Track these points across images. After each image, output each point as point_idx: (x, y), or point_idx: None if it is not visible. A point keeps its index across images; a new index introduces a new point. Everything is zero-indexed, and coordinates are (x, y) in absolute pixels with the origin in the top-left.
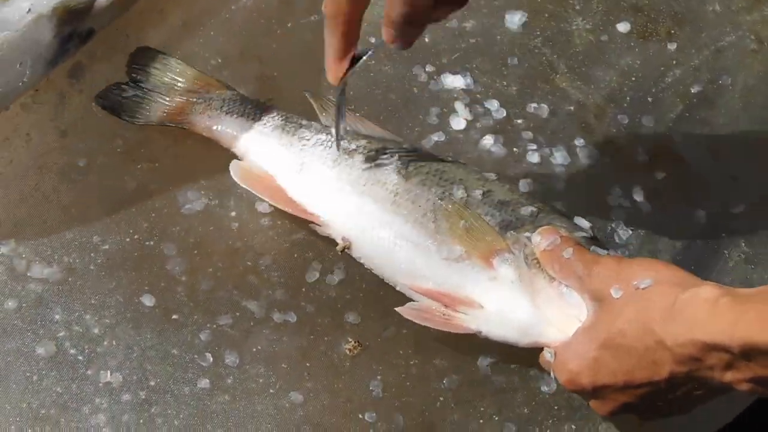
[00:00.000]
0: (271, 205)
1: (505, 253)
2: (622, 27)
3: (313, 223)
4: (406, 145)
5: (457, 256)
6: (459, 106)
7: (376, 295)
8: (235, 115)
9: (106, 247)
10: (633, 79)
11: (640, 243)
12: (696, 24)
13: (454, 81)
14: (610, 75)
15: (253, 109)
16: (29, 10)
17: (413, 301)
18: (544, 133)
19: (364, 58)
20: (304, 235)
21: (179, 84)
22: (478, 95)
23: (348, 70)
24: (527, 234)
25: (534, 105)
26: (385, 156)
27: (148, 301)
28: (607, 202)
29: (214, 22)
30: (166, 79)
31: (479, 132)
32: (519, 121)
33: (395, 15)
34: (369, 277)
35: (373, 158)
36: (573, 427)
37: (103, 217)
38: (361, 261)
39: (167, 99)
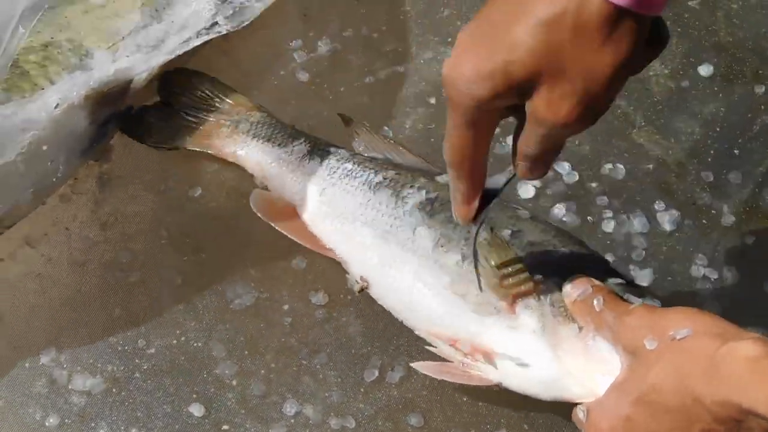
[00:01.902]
0: (326, 295)
1: (530, 299)
2: (704, 70)
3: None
4: (440, 177)
5: (479, 300)
6: None
7: (440, 391)
8: (261, 140)
9: (152, 351)
10: (718, 129)
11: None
12: None
13: None
14: (692, 126)
15: (281, 134)
16: (57, 105)
17: (432, 347)
18: (620, 197)
19: (496, 198)
20: (361, 327)
21: (210, 103)
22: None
23: (481, 209)
24: (556, 280)
25: (609, 165)
26: (411, 190)
27: (196, 410)
28: (690, 274)
29: (265, 91)
30: (196, 97)
31: (550, 200)
32: (593, 184)
33: (531, 150)
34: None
35: (398, 193)
36: None
37: (148, 318)
38: (379, 302)
39: (194, 120)
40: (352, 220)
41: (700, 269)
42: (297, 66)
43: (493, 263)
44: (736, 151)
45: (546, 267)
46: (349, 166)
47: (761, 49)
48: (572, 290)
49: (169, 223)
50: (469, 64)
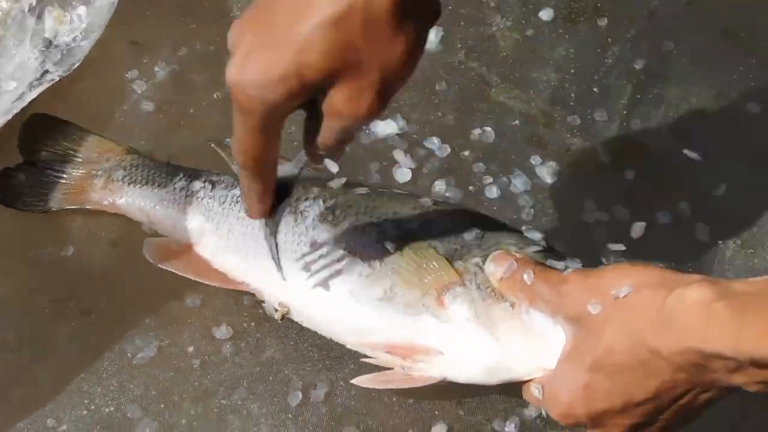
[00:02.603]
0: (229, 327)
1: (456, 287)
2: (545, 15)
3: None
4: (331, 183)
5: (406, 301)
6: (398, 155)
7: (367, 397)
8: (139, 185)
9: (64, 428)
10: (572, 71)
11: (632, 256)
12: None
13: (386, 127)
14: (547, 73)
15: (158, 174)
16: None
17: (368, 357)
18: (495, 160)
19: (295, 186)
20: (273, 351)
21: (77, 155)
22: (415, 136)
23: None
24: (476, 261)
25: (477, 130)
26: (307, 203)
27: None
28: (584, 221)
29: (111, 129)
30: (62, 150)
31: (428, 178)
32: (466, 153)
33: (332, 141)
34: (353, 376)
35: (295, 209)
36: None
37: (51, 395)
38: (304, 324)
39: (63, 176)
40: (255, 247)
41: (590, 215)
42: (140, 97)
43: (409, 262)
44: (595, 89)
45: (463, 251)
46: (237, 191)
47: None
48: (496, 268)
49: (47, 290)
50: (257, 68)
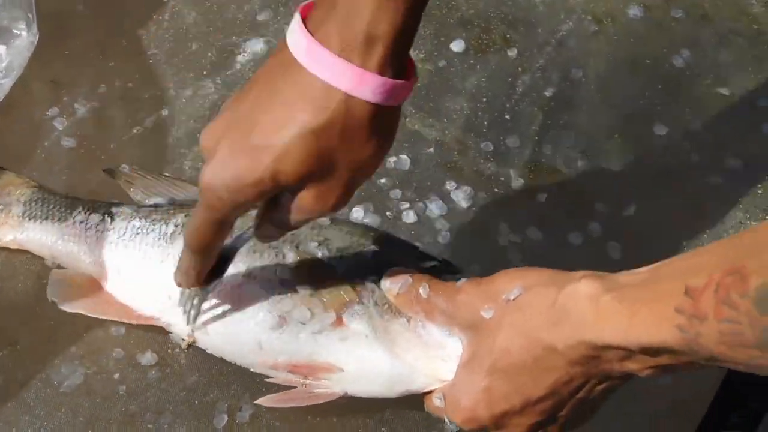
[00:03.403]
0: (154, 354)
1: (354, 306)
2: (457, 46)
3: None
4: None
5: (305, 322)
6: None
7: (292, 420)
8: (38, 220)
9: None
10: (484, 99)
11: None
12: (529, 21)
13: None
14: (460, 102)
15: (57, 207)
16: None
17: (271, 377)
18: (411, 187)
19: (231, 260)
20: (198, 376)
21: None
22: None
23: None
24: (373, 278)
25: (393, 158)
26: None
27: None
28: (498, 243)
29: (32, 165)
30: None
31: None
32: (383, 180)
33: (287, 228)
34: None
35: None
36: None
37: None
38: (209, 351)
39: None
40: (159, 281)
41: (505, 237)
42: (60, 134)
43: (307, 283)
44: (507, 116)
45: (361, 269)
46: (137, 223)
47: (503, 14)
48: (392, 285)
49: None
50: (233, 173)
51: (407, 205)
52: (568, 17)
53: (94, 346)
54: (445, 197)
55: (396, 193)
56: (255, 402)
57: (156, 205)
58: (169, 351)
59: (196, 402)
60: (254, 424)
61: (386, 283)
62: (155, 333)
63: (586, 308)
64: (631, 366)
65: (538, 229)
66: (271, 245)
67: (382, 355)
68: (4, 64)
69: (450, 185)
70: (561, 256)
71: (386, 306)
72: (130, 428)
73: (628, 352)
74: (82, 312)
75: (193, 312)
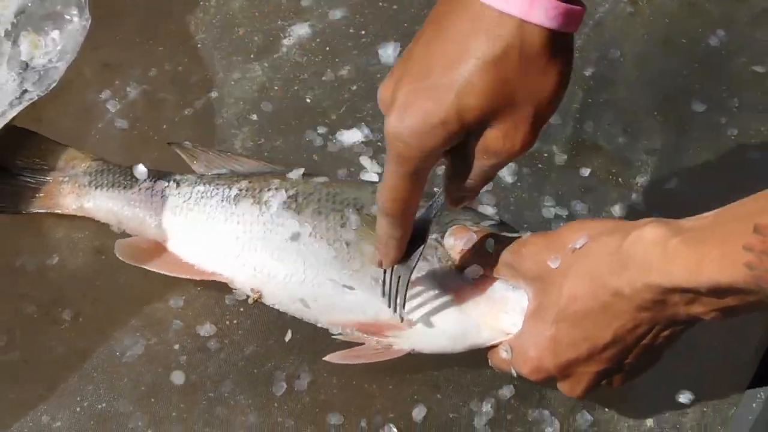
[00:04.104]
0: (212, 325)
1: (420, 263)
2: None
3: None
4: (290, 174)
5: (372, 280)
6: (365, 160)
7: (350, 386)
8: (104, 188)
9: (59, 424)
10: None
11: None
12: None
13: (352, 136)
14: None
15: (122, 176)
16: None
17: (338, 334)
18: None
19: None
20: (256, 346)
21: (45, 163)
22: (379, 143)
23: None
24: (435, 236)
25: None
26: (269, 193)
27: None
28: (543, 215)
29: (88, 147)
30: (31, 159)
31: None
32: None
33: (482, 182)
34: (337, 370)
35: (258, 200)
36: None
37: (44, 395)
38: (276, 307)
39: (34, 182)
40: (222, 238)
41: (550, 210)
42: (113, 116)
43: (372, 243)
44: None
45: (421, 228)
46: (201, 188)
47: None
48: (456, 241)
49: (34, 297)
50: (417, 116)
51: None
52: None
53: (154, 318)
54: None
55: (441, 168)
56: (323, 359)
57: (218, 175)
58: (227, 322)
59: (255, 371)
60: (312, 392)
61: (450, 240)
62: (212, 305)
63: (653, 252)
64: (697, 309)
65: (582, 202)
66: (335, 208)
67: (449, 310)
68: (58, 48)
69: None
70: None
71: (449, 262)
72: (190, 396)
73: (694, 295)
74: (148, 268)
75: (399, 297)
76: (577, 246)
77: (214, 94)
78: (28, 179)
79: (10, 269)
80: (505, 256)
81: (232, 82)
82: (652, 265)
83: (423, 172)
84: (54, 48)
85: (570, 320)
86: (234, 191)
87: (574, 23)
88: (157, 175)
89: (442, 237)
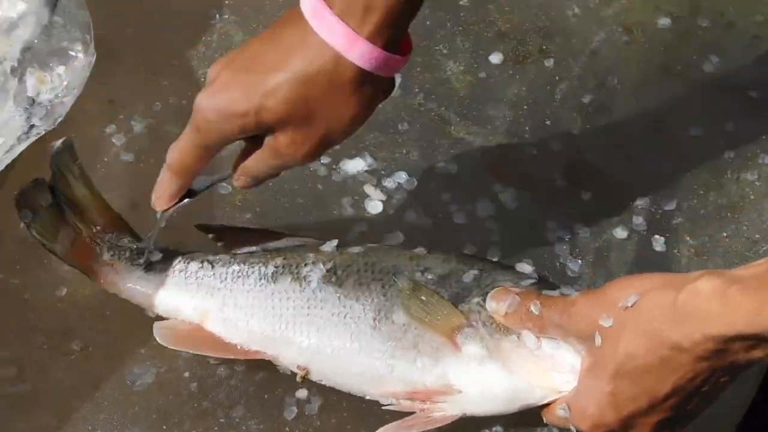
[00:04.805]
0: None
1: (466, 328)
2: (495, 58)
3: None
4: (324, 246)
5: (421, 348)
6: (369, 189)
7: (360, 409)
8: (140, 270)
9: None
10: (525, 107)
11: (592, 269)
12: (563, 33)
13: (355, 165)
14: (502, 111)
15: (156, 258)
16: None
17: (388, 405)
18: (460, 189)
19: (195, 198)
20: (266, 372)
21: (92, 214)
22: (383, 171)
23: (178, 202)
24: (477, 300)
25: (441, 164)
26: (307, 268)
27: None
28: (547, 239)
29: (93, 177)
30: (81, 196)
31: (398, 209)
32: (432, 185)
33: (262, 174)
34: (347, 393)
35: (297, 275)
36: None
37: (55, 424)
38: (323, 382)
39: (77, 227)
40: (264, 317)
41: (553, 234)
42: (119, 149)
43: (417, 311)
44: (548, 122)
45: (464, 292)
46: (236, 267)
47: (537, 27)
48: (499, 305)
49: (43, 329)
50: (224, 100)
51: (457, 207)
52: (600, 28)
53: (163, 347)
54: (493, 199)
55: (446, 195)
56: None
57: (250, 253)
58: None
59: (266, 396)
60: (323, 415)
61: (492, 305)
62: None
63: (711, 303)
64: (758, 354)
65: (584, 225)
66: (375, 278)
67: (499, 373)
68: (64, 84)
69: (497, 187)
70: (608, 250)
71: (494, 325)
72: (202, 423)
73: (756, 341)
74: (190, 351)
75: (152, 236)
76: (629, 304)
77: None
78: (74, 220)
79: (18, 302)
80: (554, 316)
81: None
82: (711, 316)
83: (214, 148)
84: (60, 83)
85: (629, 376)
86: (271, 268)
87: (392, 68)
88: (190, 257)
89: (484, 300)
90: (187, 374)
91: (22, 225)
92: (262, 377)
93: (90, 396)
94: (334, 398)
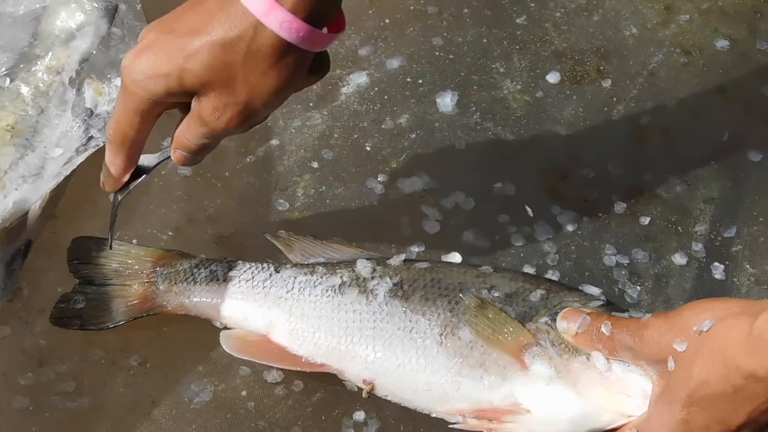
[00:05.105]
0: (279, 371)
1: (533, 347)
2: (552, 78)
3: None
4: (391, 260)
5: (488, 366)
6: (426, 208)
7: (420, 428)
8: (203, 283)
9: None
10: (581, 127)
11: (651, 295)
12: (621, 53)
13: (412, 184)
14: (558, 131)
15: (220, 270)
16: None
17: (454, 423)
18: (518, 211)
19: (146, 175)
20: (323, 393)
21: (131, 268)
22: (440, 191)
23: (130, 182)
24: (545, 320)
25: (498, 185)
26: (374, 281)
27: None
28: (605, 264)
29: (151, 195)
30: (115, 266)
31: (456, 230)
32: (490, 206)
33: (193, 144)
34: (405, 417)
35: (364, 288)
36: None
37: None
38: (389, 398)
39: (125, 289)
40: (331, 329)
41: (611, 258)
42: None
43: (485, 328)
44: (605, 144)
45: (532, 311)
46: (303, 278)
47: (595, 47)
48: (569, 325)
49: (101, 343)
50: (149, 60)
51: (515, 228)
52: (658, 50)
53: (220, 365)
54: (551, 221)
55: (503, 217)
56: None
57: (316, 264)
58: (294, 370)
59: (323, 417)
60: None
61: (563, 324)
62: None
63: None
64: None
65: (642, 250)
66: (441, 293)
67: (567, 394)
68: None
69: (555, 210)
70: (667, 276)
71: (563, 345)
72: None
73: None
74: (256, 360)
75: (113, 224)
76: (704, 329)
77: (275, 142)
78: (117, 288)
79: None
80: (625, 338)
81: (293, 130)
82: None
83: (145, 113)
84: (117, 95)
85: (702, 403)
86: (337, 279)
87: (316, 43)
88: (257, 266)
89: (553, 320)
90: (244, 393)
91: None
92: (320, 398)
93: (148, 412)
94: (391, 421)
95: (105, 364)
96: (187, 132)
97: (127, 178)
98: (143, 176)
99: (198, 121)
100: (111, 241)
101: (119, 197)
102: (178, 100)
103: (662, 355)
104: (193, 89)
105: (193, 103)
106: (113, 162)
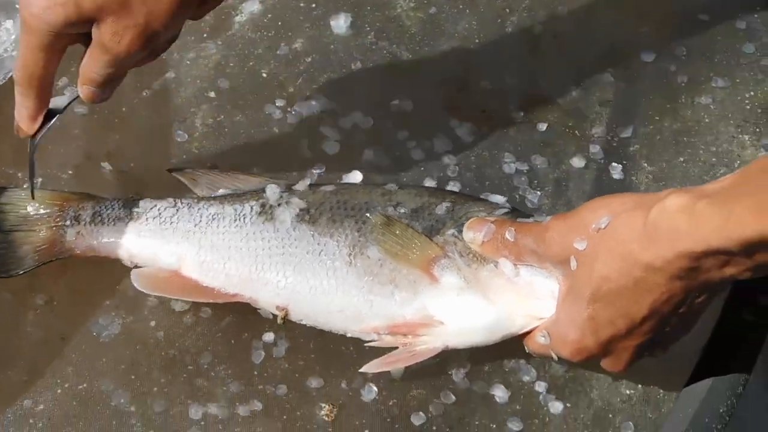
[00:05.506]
0: (187, 302)
1: (442, 260)
2: None
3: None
4: (295, 185)
5: (398, 282)
6: (325, 129)
7: (327, 350)
8: (110, 223)
9: (41, 407)
10: (476, 40)
11: (552, 199)
12: None
13: (310, 107)
14: (453, 44)
15: (126, 209)
16: None
17: (369, 341)
18: (416, 126)
19: (59, 115)
20: (231, 318)
21: (37, 213)
22: (338, 112)
23: (43, 125)
24: (452, 232)
25: (396, 102)
26: (280, 209)
27: None
28: (504, 172)
29: (48, 135)
30: (21, 212)
31: (356, 149)
32: (389, 124)
33: (98, 75)
34: (313, 334)
35: (271, 215)
36: (568, 405)
37: (24, 378)
38: (303, 322)
39: (32, 235)
40: (241, 259)
41: (511, 166)
42: (72, 103)
43: (392, 245)
44: (500, 55)
45: (438, 225)
46: (211, 210)
47: None
48: (475, 234)
49: (6, 282)
50: None
51: (414, 143)
52: None
53: (128, 298)
54: (449, 134)
55: (403, 134)
56: (360, 370)
57: (223, 195)
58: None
59: (233, 341)
60: (290, 358)
61: (469, 234)
62: None
63: (680, 220)
64: (730, 270)
65: (541, 156)
66: (348, 214)
67: (478, 302)
68: (12, 38)
69: (453, 123)
70: (567, 179)
71: (471, 255)
72: (171, 370)
73: (727, 256)
74: (169, 296)
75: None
76: (602, 226)
77: (170, 75)
78: (25, 234)
79: None
80: (529, 242)
81: (188, 62)
82: (680, 233)
83: (49, 48)
84: (8, 38)
85: (605, 299)
86: (246, 208)
87: None
88: (161, 202)
89: (460, 231)
90: (153, 323)
91: None
92: (228, 323)
93: (58, 349)
94: (301, 340)
95: (12, 305)
96: (92, 64)
97: (41, 120)
98: (56, 117)
99: (100, 48)
100: (32, 189)
101: (35, 142)
102: (78, 30)
103: (565, 255)
104: (91, 15)
105: (94, 32)
106: (25, 104)
